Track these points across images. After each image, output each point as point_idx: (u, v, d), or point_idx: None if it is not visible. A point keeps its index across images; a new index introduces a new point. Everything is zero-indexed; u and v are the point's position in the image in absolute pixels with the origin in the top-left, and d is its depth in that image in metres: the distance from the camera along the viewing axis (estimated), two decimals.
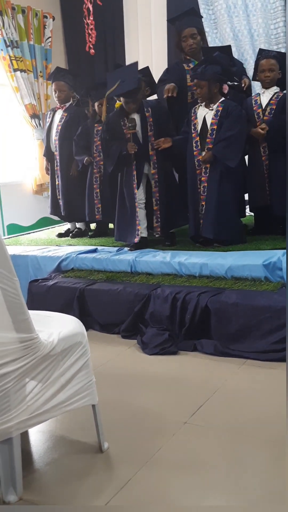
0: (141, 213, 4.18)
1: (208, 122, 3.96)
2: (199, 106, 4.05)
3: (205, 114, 3.98)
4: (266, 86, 4.18)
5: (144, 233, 4.22)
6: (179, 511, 1.81)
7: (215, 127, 3.93)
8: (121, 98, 4.11)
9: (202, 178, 3.99)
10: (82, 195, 4.89)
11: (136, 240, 4.16)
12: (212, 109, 3.95)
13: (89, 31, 5.59)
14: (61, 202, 5.06)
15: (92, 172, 4.81)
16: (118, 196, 4.30)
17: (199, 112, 4.02)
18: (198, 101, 4.05)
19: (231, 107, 3.92)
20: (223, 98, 3.99)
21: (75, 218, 5.14)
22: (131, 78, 3.99)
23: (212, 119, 3.94)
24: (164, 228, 4.27)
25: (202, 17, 4.76)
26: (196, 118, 4.03)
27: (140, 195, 4.16)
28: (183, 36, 4.41)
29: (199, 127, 4.00)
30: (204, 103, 4.00)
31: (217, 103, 3.95)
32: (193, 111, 4.07)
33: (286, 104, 3.92)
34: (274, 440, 2.17)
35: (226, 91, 4.05)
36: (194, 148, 4.01)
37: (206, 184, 3.97)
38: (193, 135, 4.02)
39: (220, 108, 3.93)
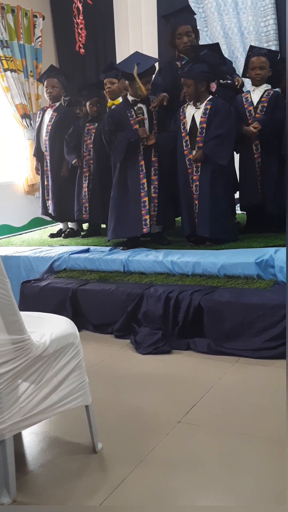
0: None
1: (197, 120, 3.95)
2: (187, 105, 4.03)
3: (193, 113, 3.97)
4: (256, 83, 4.17)
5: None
6: (174, 511, 1.81)
7: (204, 125, 3.92)
8: (132, 83, 4.02)
9: (194, 177, 3.98)
10: (72, 195, 4.87)
11: (145, 230, 4.04)
12: (199, 108, 3.95)
13: (79, 31, 5.56)
14: (49, 202, 5.05)
15: (82, 171, 4.80)
16: (115, 189, 4.17)
17: (188, 111, 4.01)
18: (186, 99, 4.04)
19: (219, 105, 3.91)
20: (211, 96, 3.97)
21: (66, 218, 5.13)
22: (146, 58, 4.01)
23: (201, 117, 3.93)
24: (160, 217, 4.14)
25: (195, 14, 4.74)
26: (185, 117, 4.02)
27: None
28: (178, 33, 4.33)
29: (188, 126, 3.99)
30: (192, 102, 3.99)
31: (205, 102, 3.94)
32: (181, 110, 4.06)
33: (286, 105, 3.92)
34: (269, 438, 2.18)
35: (213, 90, 4.02)
36: (184, 148, 4.00)
37: (198, 183, 3.96)
38: (182, 134, 4.01)
39: (209, 107, 3.92)
